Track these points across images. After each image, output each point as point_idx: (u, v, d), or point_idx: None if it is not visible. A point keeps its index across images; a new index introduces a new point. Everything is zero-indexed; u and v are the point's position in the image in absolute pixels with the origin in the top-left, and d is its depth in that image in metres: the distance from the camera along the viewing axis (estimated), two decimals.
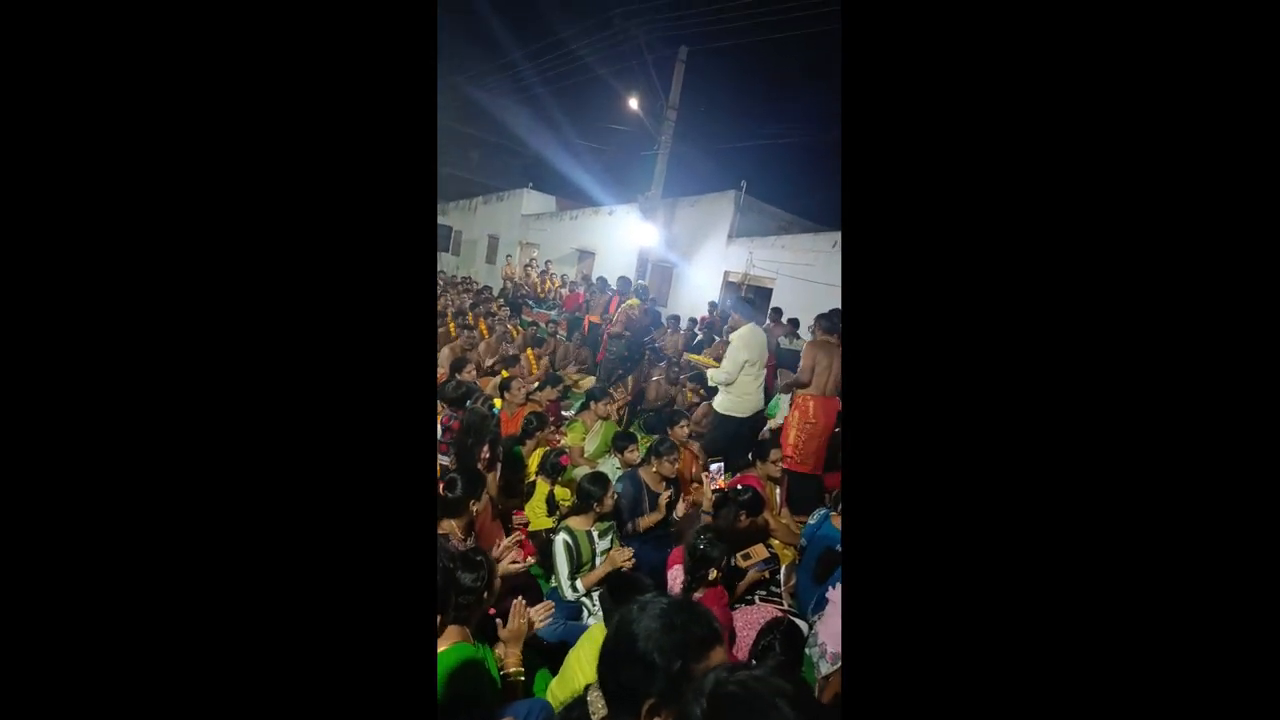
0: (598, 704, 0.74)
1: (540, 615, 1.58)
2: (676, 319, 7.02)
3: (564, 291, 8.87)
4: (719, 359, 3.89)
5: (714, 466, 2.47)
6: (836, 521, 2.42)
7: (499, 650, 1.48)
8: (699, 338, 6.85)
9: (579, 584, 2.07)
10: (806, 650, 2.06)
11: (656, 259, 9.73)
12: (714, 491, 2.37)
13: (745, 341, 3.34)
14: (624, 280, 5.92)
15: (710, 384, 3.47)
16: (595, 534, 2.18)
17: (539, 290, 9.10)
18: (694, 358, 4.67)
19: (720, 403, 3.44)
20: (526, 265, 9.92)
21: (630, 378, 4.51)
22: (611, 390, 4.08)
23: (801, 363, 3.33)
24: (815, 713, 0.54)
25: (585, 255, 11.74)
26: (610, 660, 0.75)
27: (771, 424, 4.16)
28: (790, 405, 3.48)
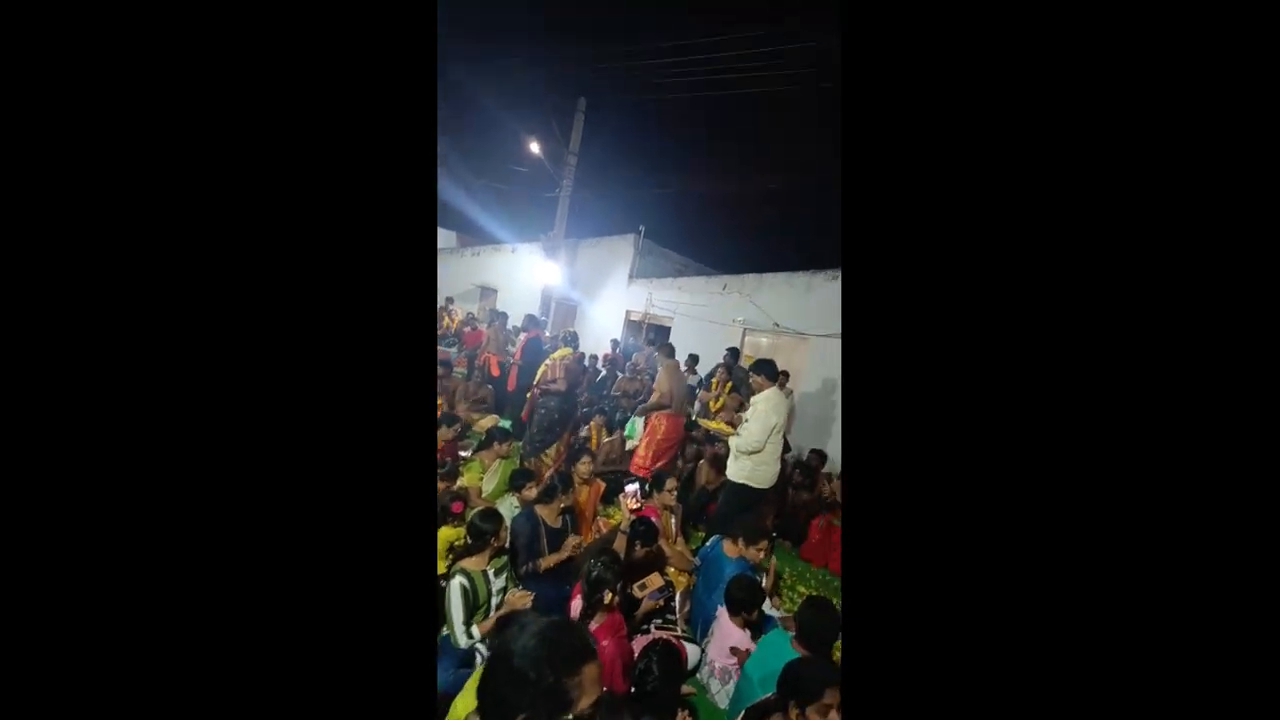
0: None
1: None
2: (582, 356, 7.07)
3: (466, 329, 8.65)
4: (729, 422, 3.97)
5: (630, 488, 2.46)
6: (727, 547, 2.55)
7: None
8: (603, 374, 6.95)
9: (474, 630, 2.00)
10: (697, 675, 2.14)
11: (560, 297, 9.81)
12: (631, 512, 2.38)
13: (774, 405, 3.08)
14: (530, 318, 5.29)
15: (738, 451, 3.14)
16: (491, 573, 2.13)
17: (438, 327, 8.78)
18: (708, 424, 4.33)
19: (736, 471, 3.11)
20: None
21: (560, 443, 3.89)
22: (544, 456, 3.74)
23: (661, 388, 3.88)
24: None
25: (488, 292, 11.56)
26: (488, 683, 0.77)
27: (630, 444, 4.32)
28: (645, 425, 4.09)
